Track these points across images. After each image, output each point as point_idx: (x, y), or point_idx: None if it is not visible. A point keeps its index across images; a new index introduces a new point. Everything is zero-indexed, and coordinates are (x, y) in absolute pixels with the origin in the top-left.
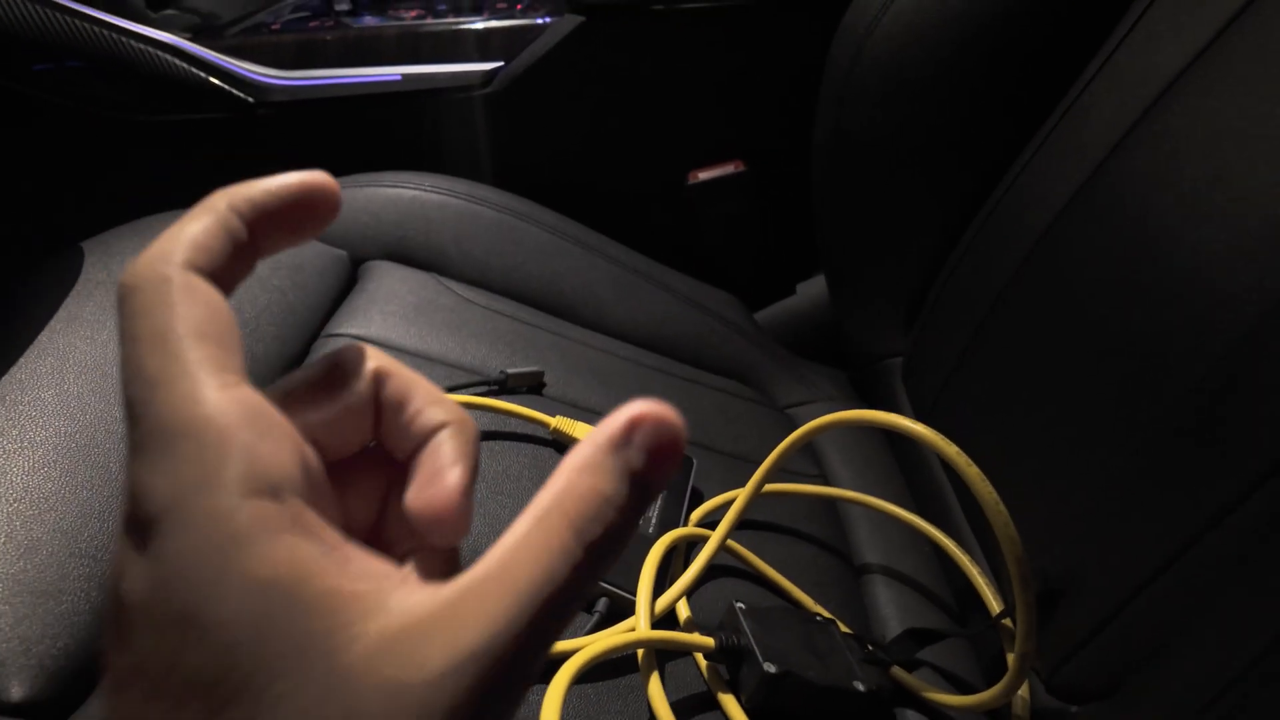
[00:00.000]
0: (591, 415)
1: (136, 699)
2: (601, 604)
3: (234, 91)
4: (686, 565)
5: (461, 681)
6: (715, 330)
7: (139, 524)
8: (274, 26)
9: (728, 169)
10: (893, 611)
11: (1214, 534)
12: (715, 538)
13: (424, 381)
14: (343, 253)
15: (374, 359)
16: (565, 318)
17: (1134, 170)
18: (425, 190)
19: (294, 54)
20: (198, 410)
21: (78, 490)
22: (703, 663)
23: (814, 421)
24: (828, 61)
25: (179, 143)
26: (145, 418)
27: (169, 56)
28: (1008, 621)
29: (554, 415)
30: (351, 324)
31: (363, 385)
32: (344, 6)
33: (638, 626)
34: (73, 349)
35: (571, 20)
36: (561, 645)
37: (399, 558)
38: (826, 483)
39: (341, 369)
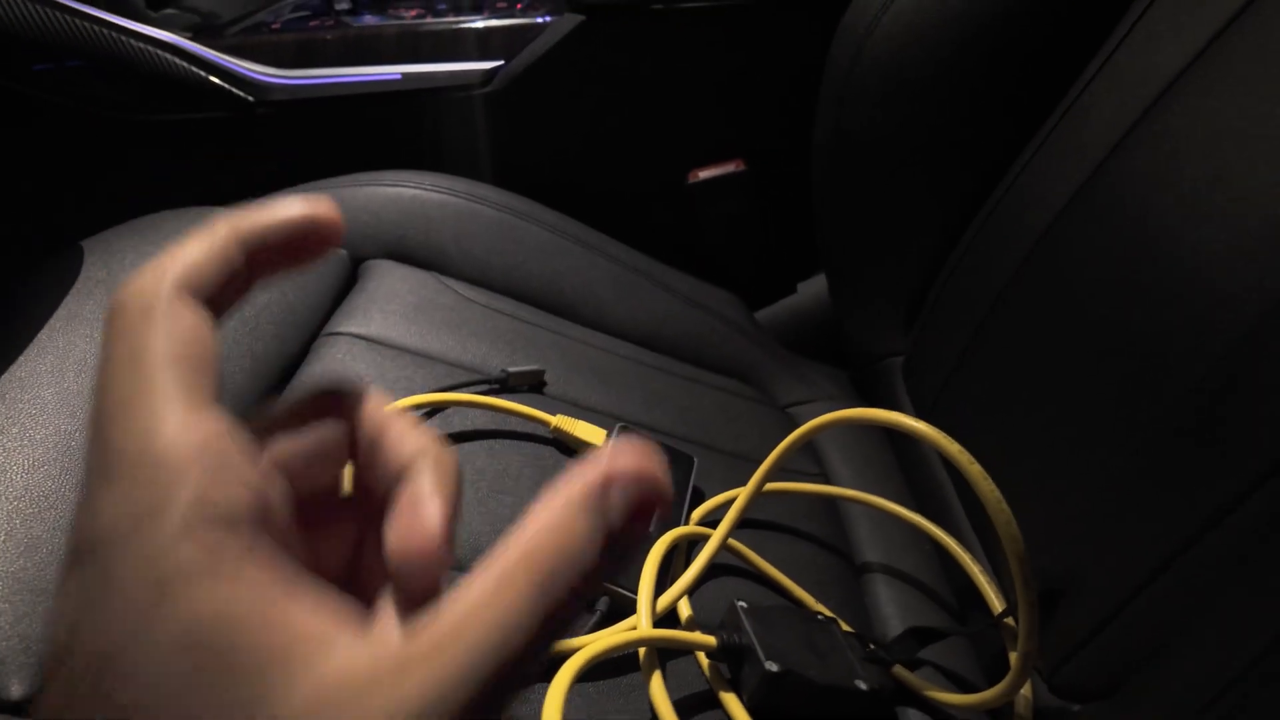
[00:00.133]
0: (592, 414)
1: None
2: (602, 603)
3: (234, 90)
4: (688, 564)
5: None
6: (716, 329)
7: (77, 551)
8: (274, 25)
9: (728, 168)
10: (894, 610)
11: (1214, 534)
12: (716, 537)
13: (403, 414)
14: (343, 251)
15: (354, 391)
16: (566, 316)
17: (1134, 170)
18: (425, 189)
19: (294, 53)
20: (155, 439)
21: (77, 488)
22: (704, 661)
23: (815, 420)
24: (828, 61)
25: (179, 142)
26: (105, 440)
27: (169, 56)
28: (1009, 620)
29: (555, 414)
30: (351, 323)
31: (341, 415)
32: (344, 5)
33: (639, 625)
34: (72, 347)
35: (571, 19)
36: (563, 644)
37: (375, 588)
38: (827, 482)
39: (322, 400)
